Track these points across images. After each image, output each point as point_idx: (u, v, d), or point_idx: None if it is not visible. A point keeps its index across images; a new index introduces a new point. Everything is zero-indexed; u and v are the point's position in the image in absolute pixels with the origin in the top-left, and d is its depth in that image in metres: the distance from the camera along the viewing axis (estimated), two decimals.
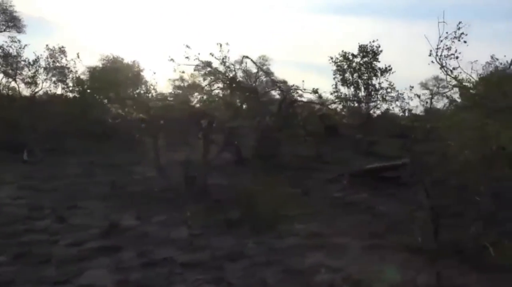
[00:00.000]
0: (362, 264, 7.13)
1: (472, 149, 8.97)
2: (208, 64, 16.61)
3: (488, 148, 8.90)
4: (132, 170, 14.64)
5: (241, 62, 17.24)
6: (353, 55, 27.32)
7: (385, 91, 27.26)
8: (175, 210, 9.81)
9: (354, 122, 25.34)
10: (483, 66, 8.87)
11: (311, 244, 8.06)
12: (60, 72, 26.01)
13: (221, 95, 16.90)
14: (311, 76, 56.78)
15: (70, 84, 24.81)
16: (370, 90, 27.49)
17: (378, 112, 27.52)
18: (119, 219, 9.09)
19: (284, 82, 27.92)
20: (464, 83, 8.79)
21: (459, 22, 8.73)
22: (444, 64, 8.91)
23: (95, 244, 7.56)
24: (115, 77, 24.93)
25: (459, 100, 13.83)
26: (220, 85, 17.27)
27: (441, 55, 8.76)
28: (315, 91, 15.77)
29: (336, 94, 26.89)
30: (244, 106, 17.40)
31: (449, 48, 9.14)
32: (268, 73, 18.36)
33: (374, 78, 27.21)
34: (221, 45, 15.16)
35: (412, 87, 27.33)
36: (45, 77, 26.14)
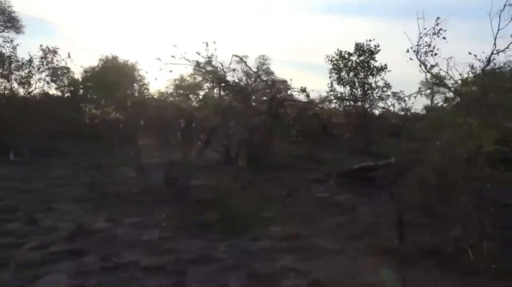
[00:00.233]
0: (333, 267, 6.90)
1: (453, 148, 8.73)
2: (197, 63, 16.45)
3: (468, 147, 8.66)
4: (117, 171, 14.48)
5: (230, 62, 16.95)
6: (349, 53, 27.14)
7: (381, 90, 27.15)
8: (150, 211, 9.61)
9: (349, 121, 25.14)
10: (471, 65, 8.64)
11: (285, 247, 7.83)
12: (53, 73, 26.02)
13: (209, 94, 16.77)
14: (311, 76, 56.61)
15: (61, 84, 24.77)
16: (366, 89, 27.30)
17: (377, 111, 27.31)
18: (91, 221, 8.90)
19: (284, 81, 27.78)
20: (443, 81, 8.53)
21: (437, 18, 8.48)
22: (424, 62, 8.69)
23: (60, 248, 7.34)
24: (107, 77, 24.92)
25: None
26: (209, 84, 17.14)
27: (419, 52, 8.56)
28: (302, 90, 15.50)
29: (332, 93, 26.80)
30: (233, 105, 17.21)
31: (429, 45, 8.93)
32: (257, 72, 18.08)
33: (370, 77, 27.04)
34: (207, 44, 14.97)
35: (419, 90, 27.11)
36: (38, 77, 26.20)
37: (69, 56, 24.60)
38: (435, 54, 8.42)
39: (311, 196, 12.34)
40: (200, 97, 17.11)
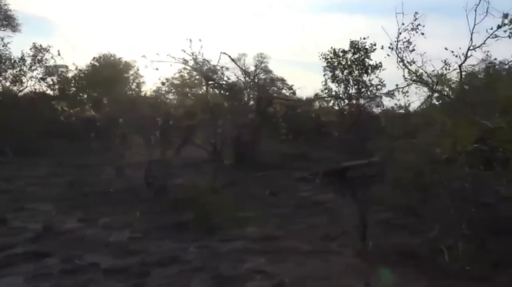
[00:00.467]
0: (303, 270, 6.70)
1: (431, 147, 8.55)
2: (184, 61, 16.24)
3: (446, 146, 8.48)
4: (101, 170, 14.29)
5: (219, 59, 16.73)
6: (344, 51, 26.85)
7: (375, 88, 26.88)
8: (124, 211, 9.42)
9: (343, 120, 24.91)
10: (444, 60, 8.44)
11: (257, 248, 7.63)
12: (47, 71, 25.82)
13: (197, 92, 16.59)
14: (311, 75, 56.37)
15: (51, 82, 24.55)
16: (360, 87, 27.03)
17: (378, 110, 27.05)
18: (63, 221, 8.73)
19: (282, 80, 27.51)
20: (421, 77, 8.33)
21: (416, 13, 8.27)
22: (402, 58, 8.49)
23: (24, 249, 7.14)
24: (98, 75, 24.70)
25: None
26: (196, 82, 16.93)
27: (398, 48, 8.36)
28: (289, 88, 15.29)
29: (326, 91, 26.55)
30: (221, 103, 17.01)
31: (408, 41, 8.74)
32: (246, 70, 17.91)
33: (365, 75, 26.76)
34: (191, 41, 14.75)
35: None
36: (30, 75, 26.04)
37: (59, 54, 24.40)
38: (413, 50, 8.22)
39: (294, 196, 12.13)
40: (188, 95, 16.87)
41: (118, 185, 11.57)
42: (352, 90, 27.20)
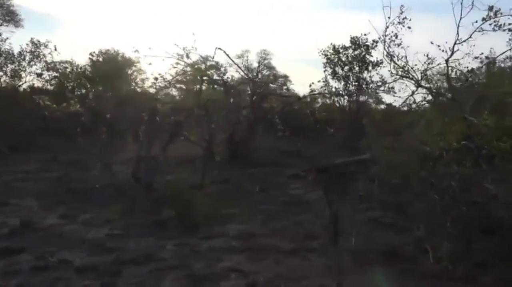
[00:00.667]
0: (280, 268, 6.55)
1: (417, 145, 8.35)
2: (179, 56, 16.07)
3: (435, 144, 8.26)
4: (91, 166, 14.15)
5: (213, 55, 16.55)
6: (344, 47, 26.50)
7: (375, 85, 26.54)
8: (107, 208, 9.27)
9: (342, 116, 24.66)
10: (426, 54, 8.27)
11: (237, 246, 7.49)
12: (45, 67, 25.76)
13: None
14: (312, 71, 55.96)
15: (48, 78, 24.46)
16: (360, 83, 26.70)
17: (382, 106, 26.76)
18: (43, 217, 8.62)
19: (285, 77, 27.22)
20: (408, 72, 8.12)
21: (402, 6, 8.06)
22: (390, 52, 8.28)
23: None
24: (97, 71, 24.59)
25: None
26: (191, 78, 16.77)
27: (386, 42, 8.16)
28: (283, 84, 15.08)
29: (326, 88, 26.26)
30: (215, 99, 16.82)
31: (396, 36, 8.54)
32: (248, 67, 17.71)
33: (365, 71, 26.43)
34: (181, 35, 14.57)
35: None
36: (29, 70, 25.98)
37: (55, 49, 24.30)
38: (399, 44, 8.02)
39: (284, 193, 11.97)
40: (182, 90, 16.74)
41: (105, 181, 11.42)
42: (352, 87, 26.98)
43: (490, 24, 7.15)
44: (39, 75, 24.16)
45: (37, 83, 25.40)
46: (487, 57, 7.99)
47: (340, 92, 26.60)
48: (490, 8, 7.09)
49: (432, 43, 8.08)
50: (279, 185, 13.01)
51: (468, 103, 8.07)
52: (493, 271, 6.47)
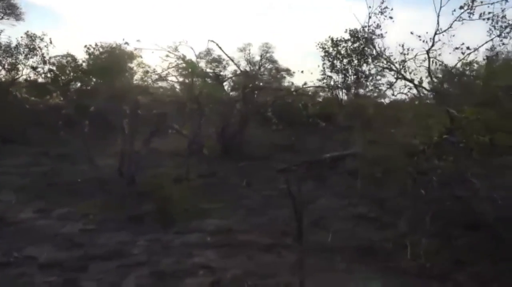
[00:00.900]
0: (252, 265, 6.39)
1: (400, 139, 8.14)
2: (171, 50, 15.91)
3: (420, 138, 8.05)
4: (78, 160, 14.00)
5: (206, 47, 16.45)
6: (344, 40, 26.12)
7: (374, 77, 26.19)
8: (87, 202, 9.14)
9: (340, 110, 24.37)
10: (401, 44, 8.05)
11: (212, 242, 7.34)
12: (43, 60, 25.62)
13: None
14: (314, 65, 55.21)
15: (42, 71, 24.27)
16: (359, 76, 26.37)
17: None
18: (19, 212, 8.50)
19: (287, 70, 26.98)
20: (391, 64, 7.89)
21: None
22: (373, 43, 8.04)
23: None
24: (96, 65, 24.38)
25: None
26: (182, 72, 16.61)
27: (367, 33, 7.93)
28: (274, 76, 14.85)
29: (325, 81, 25.95)
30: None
31: (378, 26, 8.32)
32: (233, 60, 17.49)
33: (364, 64, 26.07)
34: (176, 28, 14.36)
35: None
36: (27, 63, 25.86)
37: (50, 42, 24.14)
38: (381, 35, 7.79)
39: (271, 187, 11.77)
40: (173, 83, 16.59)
41: (90, 175, 11.28)
42: (351, 80, 26.65)
43: (468, 13, 6.89)
44: (34, 68, 24.03)
45: (33, 77, 25.40)
46: (468, 48, 7.72)
47: (338, 85, 26.37)
48: None
49: (412, 33, 7.84)
50: (267, 179, 12.81)
51: (453, 96, 7.81)
52: (471, 269, 6.27)
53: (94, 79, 24.44)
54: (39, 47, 25.30)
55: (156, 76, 15.65)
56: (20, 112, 16.81)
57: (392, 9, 7.76)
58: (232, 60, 16.79)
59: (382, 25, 8.11)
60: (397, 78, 8.18)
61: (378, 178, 9.15)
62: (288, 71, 29.48)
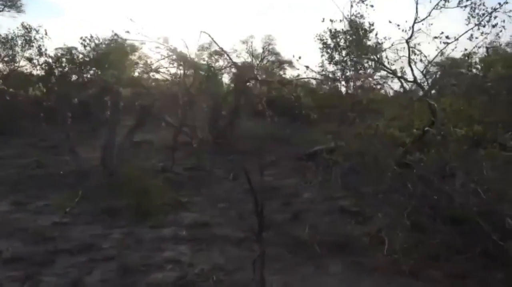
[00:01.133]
0: (222, 259, 6.29)
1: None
2: (165, 40, 15.72)
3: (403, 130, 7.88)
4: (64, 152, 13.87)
5: (198, 39, 16.23)
6: (344, 31, 25.76)
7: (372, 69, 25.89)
8: (65, 195, 9.01)
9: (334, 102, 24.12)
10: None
11: (185, 235, 7.24)
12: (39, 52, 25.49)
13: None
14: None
15: (37, 63, 24.15)
16: (359, 68, 26.07)
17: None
18: None
19: (290, 62, 26.79)
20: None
21: None
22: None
23: None
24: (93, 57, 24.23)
25: None
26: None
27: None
28: (265, 67, 14.65)
29: (324, 73, 25.68)
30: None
31: (361, 16, 8.13)
32: (226, 52, 17.26)
33: (363, 56, 25.74)
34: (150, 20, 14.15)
35: None
36: (23, 55, 25.74)
37: (46, 34, 23.98)
38: (361, 24, 7.59)
39: (257, 180, 11.58)
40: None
41: (73, 168, 11.17)
42: (350, 72, 26.36)
43: (445, 0, 6.67)
44: (29, 59, 23.91)
45: (29, 69, 25.30)
46: (447, 37, 7.48)
47: (337, 77, 26.09)
48: None
49: (390, 22, 7.66)
50: (256, 172, 12.63)
51: (434, 87, 7.62)
52: (446, 265, 6.14)
53: (91, 72, 24.48)
54: (35, 38, 25.25)
55: (147, 68, 15.43)
56: (7, 104, 16.63)
57: None
58: (225, 52, 16.57)
59: (365, 14, 7.89)
60: (375, 69, 7.98)
61: (362, 171, 8.99)
62: (290, 63, 29.37)
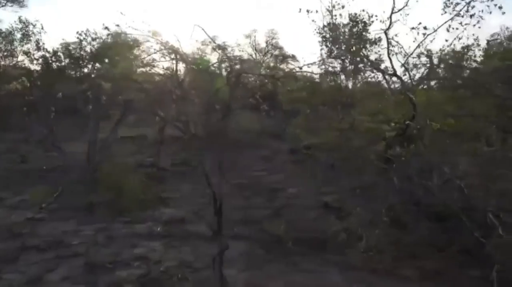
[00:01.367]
0: (191, 256, 6.19)
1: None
2: (155, 34, 15.52)
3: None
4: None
5: (191, 33, 15.93)
6: (343, 24, 25.43)
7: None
8: (44, 190, 8.88)
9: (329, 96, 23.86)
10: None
11: (160, 232, 7.13)
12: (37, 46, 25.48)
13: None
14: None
15: (33, 57, 24.14)
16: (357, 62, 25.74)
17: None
18: None
19: (293, 57, 26.62)
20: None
21: None
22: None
23: None
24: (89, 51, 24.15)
25: None
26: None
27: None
28: (257, 62, 14.43)
29: (323, 67, 25.41)
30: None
31: (342, 6, 7.96)
32: (222, 46, 16.99)
33: (363, 49, 25.42)
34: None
35: None
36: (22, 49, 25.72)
37: (42, 28, 23.93)
38: (340, 15, 7.44)
39: (244, 176, 11.47)
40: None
41: (58, 163, 11.06)
42: (350, 66, 26.07)
43: None
44: (26, 53, 23.89)
45: (27, 63, 25.28)
46: (425, 28, 7.24)
47: (336, 71, 25.77)
48: None
49: (366, 12, 7.44)
50: (244, 168, 12.51)
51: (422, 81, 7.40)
52: (419, 262, 5.95)
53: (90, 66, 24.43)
54: (33, 32, 25.20)
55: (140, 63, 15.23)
56: None
57: None
58: (219, 46, 16.30)
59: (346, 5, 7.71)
60: (353, 62, 7.77)
61: (342, 166, 8.82)
62: (293, 57, 29.13)
